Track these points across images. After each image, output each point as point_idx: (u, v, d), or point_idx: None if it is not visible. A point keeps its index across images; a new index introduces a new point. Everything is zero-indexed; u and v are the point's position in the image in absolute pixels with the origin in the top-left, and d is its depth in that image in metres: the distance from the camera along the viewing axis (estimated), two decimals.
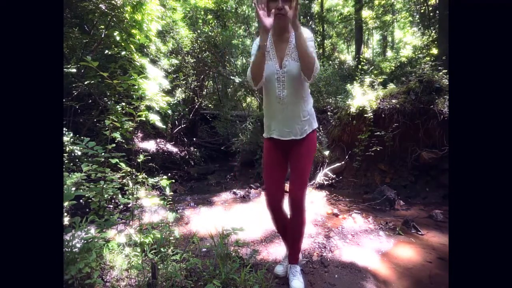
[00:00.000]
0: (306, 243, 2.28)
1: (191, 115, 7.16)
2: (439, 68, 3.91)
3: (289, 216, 1.67)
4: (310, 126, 1.61)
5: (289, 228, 1.69)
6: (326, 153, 4.36)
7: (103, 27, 3.68)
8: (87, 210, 2.16)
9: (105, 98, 3.98)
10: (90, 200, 2.10)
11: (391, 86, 4.43)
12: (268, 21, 1.34)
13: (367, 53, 13.73)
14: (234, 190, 4.24)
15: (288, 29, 1.49)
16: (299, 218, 1.62)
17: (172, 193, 2.39)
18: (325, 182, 4.20)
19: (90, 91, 3.93)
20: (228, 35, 6.11)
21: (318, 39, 10.98)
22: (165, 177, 2.44)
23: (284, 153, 1.65)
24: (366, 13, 11.04)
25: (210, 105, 9.17)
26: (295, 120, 1.56)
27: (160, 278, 1.52)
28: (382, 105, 4.00)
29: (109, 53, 3.66)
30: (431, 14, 8.59)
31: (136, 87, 2.53)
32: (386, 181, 3.89)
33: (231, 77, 6.16)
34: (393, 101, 3.93)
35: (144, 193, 2.23)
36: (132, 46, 3.32)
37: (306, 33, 1.46)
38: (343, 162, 4.31)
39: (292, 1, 1.36)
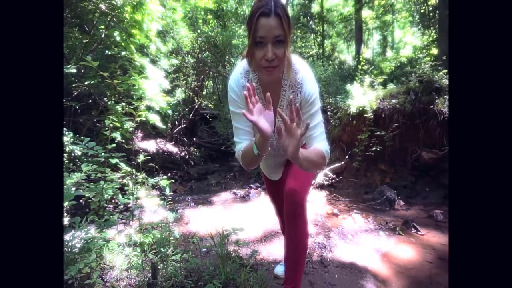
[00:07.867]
0: None
1: (191, 115, 7.15)
2: (439, 68, 3.91)
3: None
4: None
5: (285, 243, 1.34)
6: None
7: (103, 27, 3.68)
8: (87, 210, 2.16)
9: (105, 98, 3.98)
10: (90, 200, 2.10)
11: (391, 86, 4.43)
12: (266, 125, 0.93)
13: (367, 53, 13.73)
14: (234, 190, 4.24)
15: (281, 81, 1.14)
16: (295, 228, 1.26)
17: (172, 193, 2.39)
18: (325, 182, 4.20)
19: (90, 91, 3.93)
20: (228, 35, 6.10)
21: (318, 39, 10.99)
22: (165, 177, 2.44)
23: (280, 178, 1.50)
24: (366, 13, 11.06)
25: (210, 105, 9.16)
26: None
27: (160, 278, 1.52)
28: (382, 105, 4.00)
29: (109, 53, 3.66)
30: (431, 14, 8.59)
31: (136, 87, 2.53)
32: (386, 181, 3.89)
33: None
34: (393, 101, 3.93)
35: (144, 193, 2.23)
36: (132, 46, 3.32)
37: (312, 96, 1.13)
38: (343, 162, 4.31)
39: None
